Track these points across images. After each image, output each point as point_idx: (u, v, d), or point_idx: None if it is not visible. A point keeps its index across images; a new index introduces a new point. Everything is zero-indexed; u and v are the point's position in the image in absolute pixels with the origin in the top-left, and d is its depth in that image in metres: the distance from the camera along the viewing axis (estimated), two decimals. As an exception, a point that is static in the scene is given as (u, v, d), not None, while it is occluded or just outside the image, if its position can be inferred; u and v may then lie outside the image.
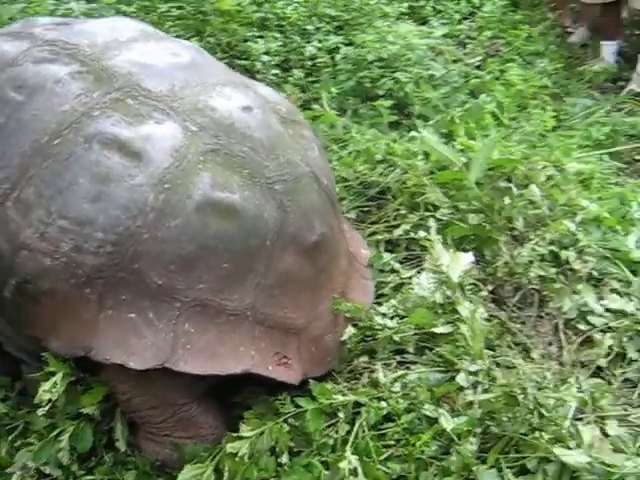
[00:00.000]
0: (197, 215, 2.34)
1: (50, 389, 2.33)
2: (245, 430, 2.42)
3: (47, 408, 2.35)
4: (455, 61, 4.72)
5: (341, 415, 2.51)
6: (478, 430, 2.39)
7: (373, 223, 3.54)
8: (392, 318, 2.93)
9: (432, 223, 3.08)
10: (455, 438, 2.35)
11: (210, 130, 2.49)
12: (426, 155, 3.66)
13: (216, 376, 2.37)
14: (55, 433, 2.47)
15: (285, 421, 2.49)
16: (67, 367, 2.42)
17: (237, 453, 2.35)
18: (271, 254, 2.46)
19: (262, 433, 2.42)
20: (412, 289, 2.97)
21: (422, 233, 3.16)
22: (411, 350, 2.81)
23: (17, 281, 2.34)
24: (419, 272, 3.14)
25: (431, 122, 4.00)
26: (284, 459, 2.44)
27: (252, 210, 2.42)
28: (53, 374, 2.39)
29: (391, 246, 3.43)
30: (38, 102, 2.48)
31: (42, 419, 2.50)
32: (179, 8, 4.70)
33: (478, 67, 4.78)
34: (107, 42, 2.70)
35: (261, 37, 4.53)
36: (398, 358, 2.79)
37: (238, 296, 2.41)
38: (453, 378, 2.60)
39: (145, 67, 2.60)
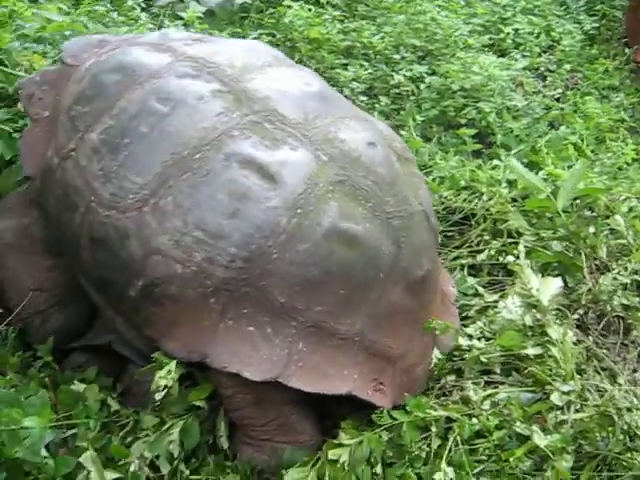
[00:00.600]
0: (324, 241, 2.46)
1: (165, 375, 2.45)
2: (344, 438, 2.52)
3: (163, 393, 2.46)
4: (534, 93, 4.81)
5: (433, 429, 2.59)
6: (571, 448, 2.46)
7: (456, 248, 3.62)
8: (479, 339, 3.02)
9: (521, 248, 3.17)
10: (550, 454, 2.43)
11: (339, 161, 2.61)
12: (509, 183, 3.76)
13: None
14: (166, 427, 2.58)
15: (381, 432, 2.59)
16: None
17: (338, 460, 2.46)
18: (383, 286, 2.58)
19: (361, 442, 2.51)
20: (499, 312, 3.05)
21: (510, 258, 3.26)
22: (498, 371, 2.89)
23: (144, 283, 2.48)
24: (503, 296, 3.24)
25: (514, 151, 4.09)
26: (378, 469, 2.53)
27: (372, 242, 2.54)
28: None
29: (474, 271, 3.52)
30: (181, 116, 2.60)
31: (150, 417, 2.63)
32: (269, 35, 4.88)
33: (557, 99, 4.87)
34: (245, 65, 2.83)
35: (346, 65, 4.67)
36: (485, 378, 2.88)
37: (350, 321, 2.52)
38: (542, 398, 2.68)
39: (281, 93, 2.73)
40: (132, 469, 2.49)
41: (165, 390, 2.46)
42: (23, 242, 3.02)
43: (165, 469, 2.54)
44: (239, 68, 2.81)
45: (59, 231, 2.80)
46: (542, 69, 5.15)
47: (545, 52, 5.34)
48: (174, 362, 2.50)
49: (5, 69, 3.59)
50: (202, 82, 2.71)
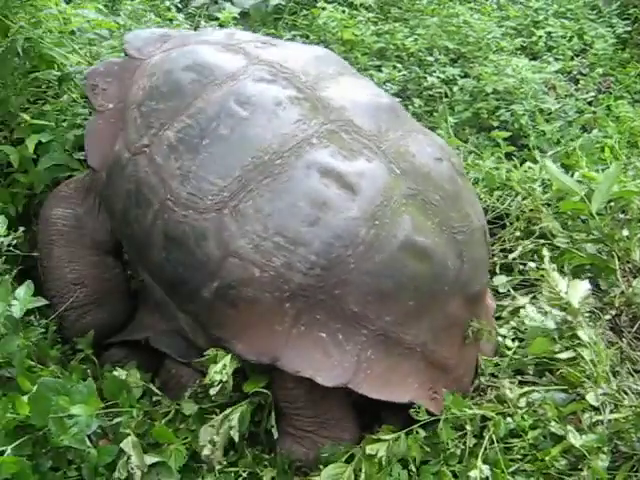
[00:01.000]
0: (399, 254, 2.52)
1: (220, 370, 2.50)
2: (383, 434, 2.55)
3: (218, 388, 2.51)
4: (567, 96, 4.81)
5: (469, 428, 2.61)
6: (607, 448, 2.47)
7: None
8: (513, 340, 3.05)
9: (546, 252, 3.18)
10: (586, 454, 2.44)
11: (411, 175, 2.67)
12: (544, 184, 3.77)
13: None
14: (229, 411, 2.62)
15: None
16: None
17: (375, 455, 2.49)
18: (446, 299, 2.65)
19: (398, 438, 2.54)
20: (529, 315, 3.07)
21: (532, 264, 3.31)
22: (531, 372, 2.92)
23: (220, 285, 2.52)
24: (534, 297, 3.26)
25: (548, 154, 4.09)
26: (412, 466, 2.56)
27: (440, 256, 2.60)
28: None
29: (506, 269, 3.55)
30: (260, 120, 2.66)
31: (191, 405, 2.68)
32: (302, 36, 4.92)
33: (590, 103, 4.86)
34: (318, 73, 2.89)
35: (380, 66, 4.70)
36: (519, 378, 2.89)
37: (415, 332, 2.58)
38: (576, 399, 2.70)
39: (354, 103, 2.79)
40: (205, 453, 2.56)
41: (220, 385, 2.50)
42: (73, 233, 3.08)
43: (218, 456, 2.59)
44: (313, 76, 2.87)
45: (125, 225, 2.84)
46: (574, 72, 5.15)
47: (577, 55, 5.34)
48: (229, 357, 2.55)
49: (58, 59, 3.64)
50: (279, 87, 2.77)
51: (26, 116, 3.38)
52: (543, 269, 3.09)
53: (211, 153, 2.64)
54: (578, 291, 3.00)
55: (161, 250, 2.65)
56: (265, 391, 2.66)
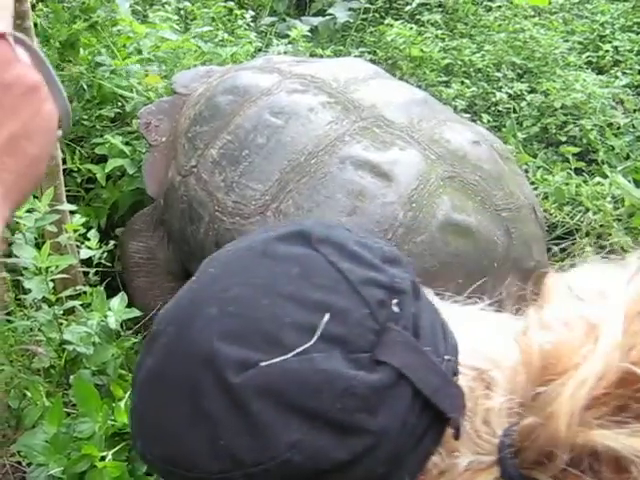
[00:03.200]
0: (439, 233, 2.58)
1: None
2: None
3: None
4: (635, 110, 4.79)
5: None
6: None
7: (557, 261, 3.65)
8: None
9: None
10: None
11: (447, 159, 2.74)
12: (614, 199, 3.78)
13: None
14: None
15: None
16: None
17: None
18: (497, 275, 2.67)
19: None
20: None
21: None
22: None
23: None
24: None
25: (618, 169, 4.10)
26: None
27: (485, 233, 2.64)
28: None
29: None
30: (295, 126, 2.79)
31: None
32: (370, 52, 5.00)
33: (658, 117, 4.84)
34: (348, 78, 3.01)
35: (447, 82, 4.76)
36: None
37: None
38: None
39: (385, 101, 2.90)
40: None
41: None
42: (149, 263, 3.26)
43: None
44: (343, 82, 2.99)
45: (183, 243, 2.98)
46: (643, 87, 5.14)
47: (645, 70, 5.32)
48: None
49: (124, 92, 3.81)
50: (310, 95, 2.91)
51: (109, 137, 3.53)
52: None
53: (251, 162, 2.78)
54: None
55: None
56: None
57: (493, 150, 2.90)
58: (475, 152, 2.81)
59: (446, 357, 0.75)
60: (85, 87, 3.80)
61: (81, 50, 3.96)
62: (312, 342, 0.69)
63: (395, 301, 0.74)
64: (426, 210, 2.60)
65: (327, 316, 0.70)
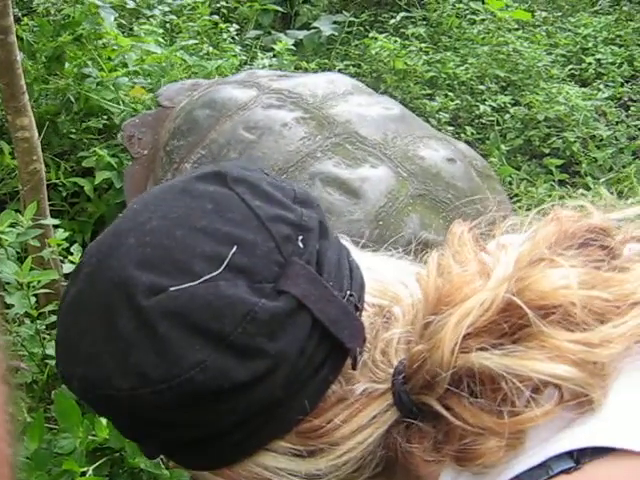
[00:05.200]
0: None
1: None
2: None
3: None
4: (618, 123, 4.83)
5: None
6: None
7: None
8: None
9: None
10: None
11: (419, 177, 2.74)
12: (597, 211, 3.79)
13: None
14: None
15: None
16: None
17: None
18: None
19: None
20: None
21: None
22: None
23: None
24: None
25: (601, 181, 4.14)
26: None
27: None
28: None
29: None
30: (267, 142, 2.79)
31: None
32: (355, 66, 5.03)
33: (640, 129, 4.89)
34: (326, 94, 3.01)
35: (431, 95, 4.79)
36: None
37: None
38: None
39: (361, 117, 2.89)
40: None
41: None
42: None
43: None
44: (320, 97, 3.00)
45: None
46: (625, 99, 5.18)
47: (628, 82, 5.36)
48: None
49: (111, 104, 3.82)
50: (286, 111, 2.91)
51: (97, 149, 3.54)
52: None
53: None
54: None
55: None
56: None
57: (470, 167, 2.90)
58: (449, 170, 2.80)
59: (349, 292, 0.81)
60: (72, 99, 3.81)
61: (67, 64, 3.97)
62: (219, 271, 0.74)
63: (301, 237, 0.79)
64: (393, 228, 2.59)
65: (235, 248, 0.76)
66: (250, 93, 3.05)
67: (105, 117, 3.89)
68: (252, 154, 2.78)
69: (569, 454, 0.69)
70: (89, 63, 3.97)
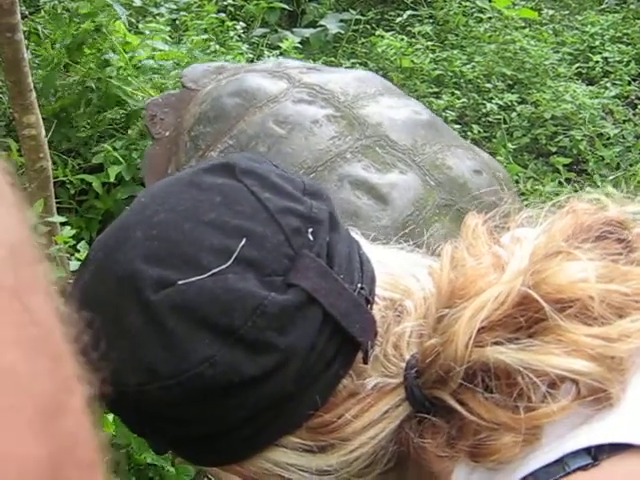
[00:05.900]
0: None
1: None
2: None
3: None
4: (625, 121, 4.82)
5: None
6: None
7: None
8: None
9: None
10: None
11: (446, 187, 2.72)
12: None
13: None
14: None
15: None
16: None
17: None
18: None
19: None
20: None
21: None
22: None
23: None
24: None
25: (608, 179, 4.13)
26: None
27: None
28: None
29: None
30: (297, 138, 2.77)
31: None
32: (361, 64, 5.03)
33: (648, 127, 4.87)
34: (357, 93, 2.98)
35: (438, 93, 4.78)
36: None
37: None
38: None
39: (392, 120, 2.86)
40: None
41: None
42: None
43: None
44: (352, 96, 2.97)
45: None
46: (632, 97, 5.16)
47: (635, 80, 5.35)
48: None
49: (133, 90, 3.82)
50: (317, 107, 2.88)
51: (107, 145, 3.54)
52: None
53: None
54: None
55: None
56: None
57: (494, 179, 2.90)
58: (475, 181, 2.79)
59: (359, 285, 0.79)
60: (93, 86, 3.79)
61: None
62: (228, 264, 0.73)
63: (311, 230, 0.77)
64: (416, 237, 2.58)
65: (244, 240, 0.74)
66: (281, 85, 3.02)
67: (125, 107, 3.87)
68: (281, 149, 2.76)
69: (586, 450, 0.68)
70: (110, 50, 3.98)
